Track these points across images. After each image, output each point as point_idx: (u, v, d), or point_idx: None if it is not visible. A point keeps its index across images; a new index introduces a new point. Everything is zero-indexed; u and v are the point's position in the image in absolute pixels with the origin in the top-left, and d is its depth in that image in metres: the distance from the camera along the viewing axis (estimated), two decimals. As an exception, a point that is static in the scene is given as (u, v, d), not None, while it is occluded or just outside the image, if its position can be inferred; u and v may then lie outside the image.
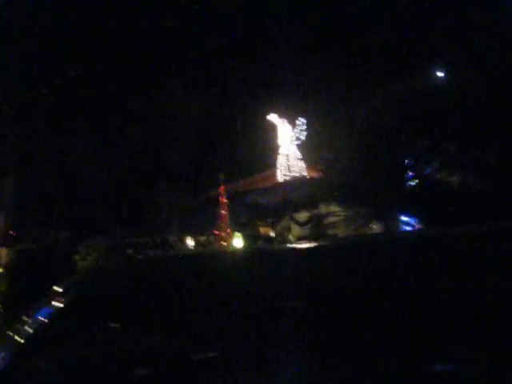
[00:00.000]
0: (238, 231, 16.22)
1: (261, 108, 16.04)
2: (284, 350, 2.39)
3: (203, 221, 16.12)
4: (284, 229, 15.16)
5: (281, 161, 15.25)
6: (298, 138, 15.26)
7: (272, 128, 15.32)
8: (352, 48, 14.94)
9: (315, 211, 14.80)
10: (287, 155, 15.06)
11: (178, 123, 16.92)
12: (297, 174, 14.90)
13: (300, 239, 13.62)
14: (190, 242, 16.07)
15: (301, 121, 15.18)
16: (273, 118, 15.11)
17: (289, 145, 15.19)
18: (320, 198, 14.23)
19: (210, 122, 17.14)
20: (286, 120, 15.12)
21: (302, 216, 16.21)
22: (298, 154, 15.18)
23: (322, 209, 15.23)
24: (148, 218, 16.47)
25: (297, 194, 15.14)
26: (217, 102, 16.92)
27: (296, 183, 14.70)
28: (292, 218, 14.47)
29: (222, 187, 16.21)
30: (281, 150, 15.14)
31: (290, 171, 15.02)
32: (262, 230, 16.01)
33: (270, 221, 16.94)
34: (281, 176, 15.31)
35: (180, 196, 16.24)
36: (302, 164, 14.94)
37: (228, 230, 15.84)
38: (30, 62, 15.24)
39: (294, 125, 15.12)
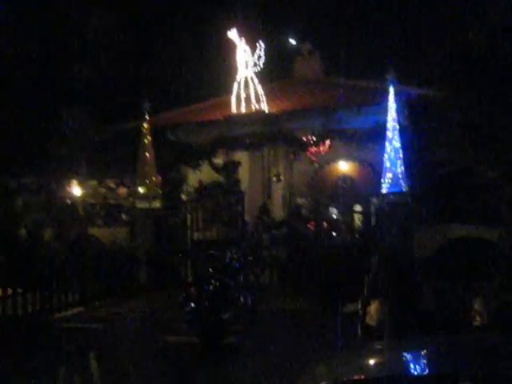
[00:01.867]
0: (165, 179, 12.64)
1: (215, 20, 12.17)
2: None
3: (120, 162, 12.33)
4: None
5: (236, 88, 11.55)
6: (255, 64, 11.55)
7: (228, 47, 11.55)
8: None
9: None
10: (244, 82, 11.39)
11: (92, 26, 12.69)
12: (255, 107, 11.33)
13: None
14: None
15: (261, 44, 11.44)
16: (232, 34, 11.30)
17: (245, 70, 11.46)
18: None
19: (142, 30, 13.02)
20: (244, 40, 11.36)
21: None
22: (257, 83, 11.51)
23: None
24: (50, 155, 12.44)
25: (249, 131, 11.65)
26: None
27: (252, 117, 11.16)
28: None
29: (147, 118, 12.36)
30: (237, 76, 11.48)
31: (245, 103, 11.44)
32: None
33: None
34: (233, 108, 11.66)
35: (92, 127, 12.30)
36: (263, 96, 11.34)
37: (154, 178, 12.21)
38: None
39: (253, 48, 11.47)
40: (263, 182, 18.62)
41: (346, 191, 19.55)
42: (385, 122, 10.99)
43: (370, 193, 18.53)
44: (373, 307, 4.37)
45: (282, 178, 19.41)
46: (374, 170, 19.02)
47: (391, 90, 10.23)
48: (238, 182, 15.61)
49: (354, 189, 19.49)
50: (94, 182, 13.33)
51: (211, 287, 7.48)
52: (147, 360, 7.01)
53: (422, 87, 11.01)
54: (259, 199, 15.69)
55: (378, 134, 11.15)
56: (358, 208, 19.58)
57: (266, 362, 6.64)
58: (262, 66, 11.57)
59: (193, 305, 7.24)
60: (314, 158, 17.14)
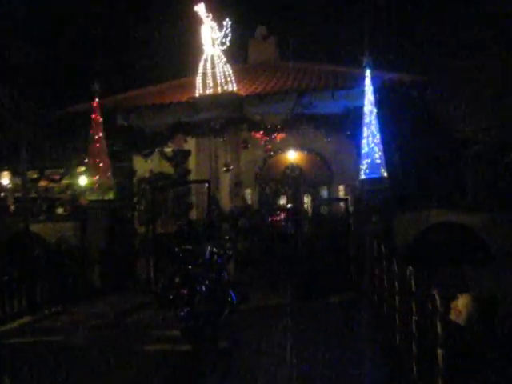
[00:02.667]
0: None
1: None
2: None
3: (67, 149, 10.91)
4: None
5: (201, 68, 10.46)
6: (222, 43, 10.59)
7: (194, 22, 10.45)
8: None
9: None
10: (211, 61, 10.34)
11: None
12: (223, 88, 10.34)
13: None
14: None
15: (228, 22, 10.48)
16: (200, 9, 10.20)
17: (212, 49, 10.41)
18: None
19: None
20: (211, 16, 10.32)
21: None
22: (225, 63, 10.53)
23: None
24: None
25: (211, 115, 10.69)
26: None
27: (220, 99, 10.17)
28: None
29: (96, 100, 11.02)
30: (203, 55, 10.42)
31: (212, 85, 10.40)
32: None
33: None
34: (198, 89, 10.57)
35: (34, 110, 10.74)
36: (231, 76, 10.37)
37: (101, 164, 10.92)
38: None
39: (220, 26, 10.48)
40: (211, 172, 17.82)
41: (294, 181, 19.36)
42: (357, 107, 10.68)
43: (320, 182, 18.67)
44: (461, 302, 3.86)
45: (231, 167, 18.81)
46: (322, 159, 19.01)
47: (368, 73, 9.87)
48: (188, 172, 14.67)
49: (302, 178, 19.38)
50: (35, 173, 11.74)
51: (204, 287, 6.64)
52: (134, 380, 6.00)
53: (394, 72, 10.77)
54: (205, 189, 14.88)
55: (349, 120, 10.81)
56: (307, 198, 19.53)
57: (266, 365, 6.01)
58: (228, 44, 10.68)
59: (186, 309, 6.34)
60: (269, 146, 16.65)
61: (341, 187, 18.29)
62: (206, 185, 11.22)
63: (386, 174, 9.64)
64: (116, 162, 11.48)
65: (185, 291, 6.42)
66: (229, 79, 10.39)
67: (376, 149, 9.71)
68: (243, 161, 19.19)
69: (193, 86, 11.33)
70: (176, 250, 8.08)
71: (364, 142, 9.84)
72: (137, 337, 7.67)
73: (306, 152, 18.90)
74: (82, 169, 12.94)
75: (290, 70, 11.91)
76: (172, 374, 6.12)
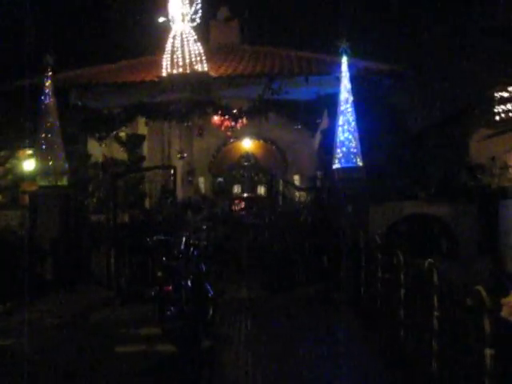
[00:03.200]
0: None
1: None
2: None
3: (15, 129, 9.77)
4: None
5: (170, 45, 9.60)
6: (193, 20, 9.81)
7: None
8: None
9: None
10: (179, 38, 9.51)
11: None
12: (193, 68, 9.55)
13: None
14: None
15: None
16: None
17: (181, 24, 9.58)
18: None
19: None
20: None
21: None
22: (194, 40, 9.76)
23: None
24: None
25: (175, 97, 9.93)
26: None
27: (185, 80, 9.36)
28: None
29: (50, 75, 9.94)
30: (172, 32, 9.56)
31: (180, 65, 9.59)
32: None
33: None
34: (166, 68, 9.72)
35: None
36: (202, 55, 9.60)
37: (60, 150, 9.89)
38: None
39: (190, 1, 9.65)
40: (163, 159, 17.01)
41: (249, 170, 18.93)
42: (329, 95, 10.42)
43: (277, 172, 18.35)
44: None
45: (185, 154, 18.05)
46: (278, 149, 18.72)
47: (344, 59, 9.61)
48: (142, 158, 13.88)
49: (258, 167, 18.98)
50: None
51: (189, 283, 6.07)
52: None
53: (370, 61, 10.59)
54: (159, 177, 14.18)
55: (320, 106, 10.53)
56: (262, 188, 19.18)
57: (253, 364, 5.62)
58: (199, 21, 9.98)
59: (174, 308, 5.72)
60: (229, 133, 16.07)
61: (296, 177, 18.12)
62: (172, 171, 10.53)
63: (361, 164, 9.45)
64: (69, 145, 10.48)
65: (169, 287, 5.80)
66: (199, 58, 9.71)
67: (351, 137, 9.49)
68: (196, 148, 18.51)
69: (156, 65, 10.57)
70: (149, 240, 7.43)
71: (340, 130, 9.58)
72: (105, 337, 6.94)
73: (261, 141, 18.58)
74: (29, 152, 11.83)
75: (258, 54, 11.44)
76: (157, 379, 5.52)
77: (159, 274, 6.02)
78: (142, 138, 13.83)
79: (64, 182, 10.18)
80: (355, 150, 9.47)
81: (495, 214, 9.54)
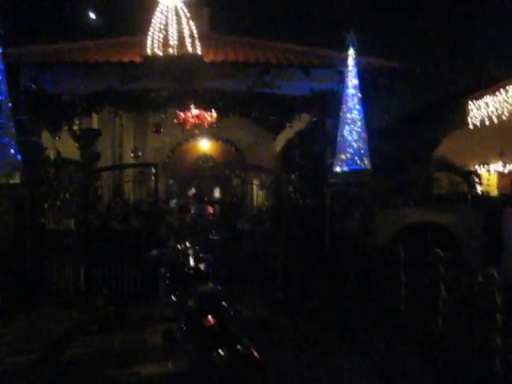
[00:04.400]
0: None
1: None
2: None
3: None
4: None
5: (157, 22, 7.98)
6: None
7: None
8: None
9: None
10: (168, 15, 7.93)
11: None
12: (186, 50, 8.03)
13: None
14: None
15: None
16: None
17: None
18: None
19: None
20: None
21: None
22: (188, 17, 8.25)
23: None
24: None
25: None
26: None
27: (176, 62, 7.78)
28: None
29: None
30: (160, 4, 7.95)
31: (170, 43, 8.02)
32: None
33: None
34: (151, 45, 8.10)
35: None
36: (195, 35, 8.07)
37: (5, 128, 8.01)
38: None
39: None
40: (113, 158, 15.27)
41: (207, 172, 17.58)
42: (325, 91, 9.54)
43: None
44: None
45: (140, 153, 16.35)
46: (237, 150, 17.57)
47: (351, 52, 8.76)
48: (97, 155, 12.18)
49: (215, 170, 17.69)
50: None
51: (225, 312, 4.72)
52: None
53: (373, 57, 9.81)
54: (109, 178, 12.58)
55: (317, 103, 9.60)
56: (217, 192, 17.89)
57: None
58: (189, -3, 8.58)
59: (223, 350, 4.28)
60: (196, 132, 14.67)
61: (255, 181, 17.19)
62: (152, 169, 9.04)
63: (369, 166, 8.64)
64: (21, 136, 8.64)
65: (211, 320, 4.36)
66: (191, 40, 8.33)
67: (358, 137, 8.65)
68: (150, 147, 16.91)
69: (133, 46, 9.04)
70: (152, 254, 6.00)
71: (346, 128, 8.70)
72: (95, 381, 5.42)
73: (219, 142, 17.37)
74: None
75: (248, 44, 10.27)
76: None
77: (190, 303, 4.62)
78: (97, 132, 12.09)
79: (16, 179, 8.34)
80: (363, 151, 8.63)
81: (499, 221, 9.21)
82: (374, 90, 9.37)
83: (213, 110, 10.31)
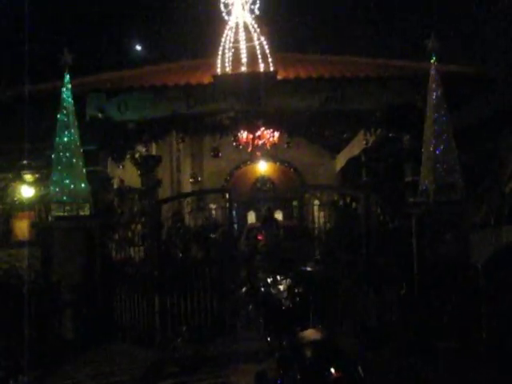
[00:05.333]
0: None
1: None
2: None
3: (21, 142, 7.64)
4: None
5: (226, 39, 7.74)
6: (251, 10, 7.99)
7: None
8: None
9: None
10: (239, 27, 7.69)
11: None
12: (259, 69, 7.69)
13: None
14: None
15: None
16: None
17: (242, 12, 7.76)
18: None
19: None
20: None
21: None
22: (259, 33, 7.95)
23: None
24: None
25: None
26: None
27: (255, 82, 7.44)
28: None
29: (67, 76, 7.91)
30: (230, 21, 7.70)
31: (242, 61, 7.73)
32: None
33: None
34: (225, 67, 7.80)
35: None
36: (266, 50, 7.75)
37: (81, 171, 7.80)
38: None
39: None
40: (172, 184, 15.04)
41: (265, 195, 17.11)
42: (406, 103, 8.88)
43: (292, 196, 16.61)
44: None
45: (199, 178, 16.13)
46: (296, 171, 17.03)
47: (432, 61, 8.09)
48: (159, 182, 11.90)
49: (274, 192, 17.19)
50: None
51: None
52: None
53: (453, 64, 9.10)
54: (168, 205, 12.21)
55: (392, 117, 8.93)
56: (279, 214, 17.30)
57: None
58: (258, 13, 8.20)
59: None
60: (258, 154, 14.30)
61: (316, 201, 16.43)
62: (226, 195, 8.59)
63: (460, 182, 7.84)
64: (89, 166, 8.42)
65: (337, 373, 3.67)
66: (262, 57, 7.90)
67: (445, 151, 7.89)
68: (207, 171, 16.63)
69: (199, 68, 8.74)
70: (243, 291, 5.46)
71: (430, 143, 7.97)
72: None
73: (277, 163, 16.89)
74: (29, 175, 9.70)
75: (317, 60, 9.78)
76: None
77: (308, 352, 3.97)
78: (158, 159, 11.87)
79: (86, 211, 8.07)
80: (453, 166, 7.86)
81: None
82: (458, 100, 8.60)
83: (274, 129, 9.77)
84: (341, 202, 9.48)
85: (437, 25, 10.14)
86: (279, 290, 5.24)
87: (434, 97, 8.05)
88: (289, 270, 5.93)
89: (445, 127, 7.98)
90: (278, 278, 5.44)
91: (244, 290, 5.36)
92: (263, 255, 8.83)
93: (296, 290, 5.21)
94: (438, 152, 7.94)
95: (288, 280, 5.37)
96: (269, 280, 5.42)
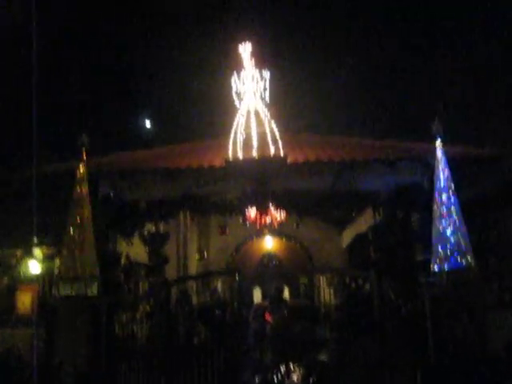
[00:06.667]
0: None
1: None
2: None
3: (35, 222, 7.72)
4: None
5: (237, 124, 8.09)
6: (262, 97, 8.44)
7: (230, 65, 8.23)
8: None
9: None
10: (250, 114, 8.05)
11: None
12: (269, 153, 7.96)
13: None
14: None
15: (266, 74, 8.49)
16: (244, 48, 8.05)
17: (253, 99, 8.19)
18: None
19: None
20: (254, 60, 8.23)
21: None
22: (270, 118, 8.30)
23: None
24: None
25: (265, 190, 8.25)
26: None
27: (266, 166, 7.66)
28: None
29: (84, 159, 8.16)
30: (241, 108, 8.12)
31: (253, 146, 8.03)
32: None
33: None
34: (236, 151, 8.09)
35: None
36: (276, 135, 8.07)
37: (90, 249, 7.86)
38: None
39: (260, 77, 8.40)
40: (178, 260, 14.92)
41: (271, 271, 16.91)
42: (411, 184, 9.06)
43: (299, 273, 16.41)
44: None
45: (205, 255, 16.04)
46: (302, 246, 16.95)
47: (438, 143, 8.34)
48: (166, 260, 11.84)
49: (281, 268, 17.01)
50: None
51: None
52: None
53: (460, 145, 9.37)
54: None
55: (402, 198, 9.06)
56: (285, 292, 16.99)
57: None
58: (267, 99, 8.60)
59: None
60: (265, 231, 14.32)
61: (322, 279, 16.24)
62: (236, 276, 8.51)
63: (473, 263, 7.79)
64: (98, 244, 8.44)
65: None
66: (272, 141, 8.18)
67: (455, 232, 7.92)
68: (213, 247, 16.57)
69: (210, 150, 9.01)
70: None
71: (440, 223, 8.02)
72: None
73: (284, 239, 16.86)
74: (37, 250, 9.66)
75: (323, 142, 10.09)
76: None
77: None
78: (165, 236, 11.89)
79: (94, 289, 7.98)
80: (464, 247, 7.84)
81: None
82: (466, 180, 8.76)
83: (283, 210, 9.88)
84: (351, 283, 9.37)
85: (441, 106, 10.57)
86: (293, 381, 5.09)
87: (441, 178, 8.22)
88: (301, 357, 5.75)
89: (453, 208, 8.06)
90: (291, 366, 5.29)
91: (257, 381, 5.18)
92: (272, 338, 8.61)
93: (311, 381, 5.05)
94: (448, 233, 7.97)
95: (301, 369, 5.21)
96: (282, 368, 5.27)
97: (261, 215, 11.56)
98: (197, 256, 15.32)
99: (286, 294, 16.55)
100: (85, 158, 8.25)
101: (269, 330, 8.84)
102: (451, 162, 8.51)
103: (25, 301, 10.12)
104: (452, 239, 7.95)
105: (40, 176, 8.09)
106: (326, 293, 9.71)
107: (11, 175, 8.35)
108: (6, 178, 8.24)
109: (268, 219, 11.99)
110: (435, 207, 8.21)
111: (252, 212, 11.37)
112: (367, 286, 8.69)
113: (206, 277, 10.71)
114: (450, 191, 8.15)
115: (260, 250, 16.82)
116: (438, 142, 8.38)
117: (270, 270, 16.56)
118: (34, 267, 9.97)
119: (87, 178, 8.27)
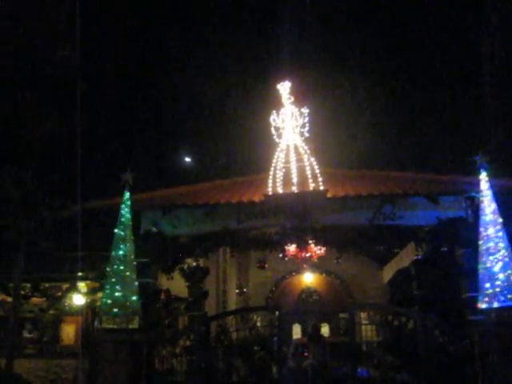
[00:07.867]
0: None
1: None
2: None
3: (79, 255, 7.97)
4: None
5: (279, 160, 8.23)
6: (301, 133, 8.59)
7: (270, 103, 8.51)
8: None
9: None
10: (290, 149, 8.18)
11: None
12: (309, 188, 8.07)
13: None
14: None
15: (305, 110, 8.67)
16: (283, 87, 8.31)
17: (292, 135, 8.35)
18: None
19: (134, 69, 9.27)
20: (292, 98, 8.46)
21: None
22: (310, 154, 8.40)
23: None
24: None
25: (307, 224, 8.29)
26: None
27: (306, 201, 7.74)
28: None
29: (127, 194, 8.43)
30: (281, 143, 8.29)
31: (293, 181, 8.15)
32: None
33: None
34: (276, 186, 8.21)
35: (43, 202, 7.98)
36: (315, 169, 8.17)
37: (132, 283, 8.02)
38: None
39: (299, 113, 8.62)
40: (217, 295, 14.91)
41: (311, 306, 16.64)
42: (453, 219, 8.83)
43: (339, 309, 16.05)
44: None
45: (245, 289, 16.00)
46: (341, 282, 16.65)
47: (483, 175, 8.14)
48: (206, 294, 11.83)
49: (320, 304, 16.71)
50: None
51: None
52: None
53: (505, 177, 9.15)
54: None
55: (445, 232, 8.83)
56: (325, 327, 16.64)
57: None
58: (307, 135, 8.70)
59: None
60: (305, 266, 14.20)
61: (362, 315, 15.80)
62: (276, 313, 8.43)
63: (521, 301, 7.42)
64: (140, 279, 8.58)
65: None
66: (317, 176, 8.20)
67: (504, 268, 7.60)
68: (253, 282, 16.52)
69: (249, 186, 9.14)
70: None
71: (489, 259, 7.73)
72: None
73: (323, 274, 16.63)
74: (81, 284, 9.93)
75: (363, 176, 10.05)
76: None
77: None
78: (205, 271, 11.96)
79: (135, 323, 8.07)
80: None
81: None
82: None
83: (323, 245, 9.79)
84: (394, 321, 9.09)
85: (485, 139, 10.36)
86: None
87: (486, 212, 7.98)
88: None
89: (501, 243, 7.78)
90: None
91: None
92: (312, 375, 8.41)
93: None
94: (496, 269, 7.67)
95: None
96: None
97: (300, 250, 11.53)
98: (236, 290, 15.25)
99: (326, 330, 16.23)
100: (128, 194, 8.50)
101: (308, 368, 8.65)
102: (497, 195, 8.28)
103: (69, 332, 10.36)
104: (501, 276, 7.64)
105: (85, 212, 8.37)
106: (368, 329, 9.45)
107: (59, 212, 8.69)
108: (53, 214, 8.58)
109: (307, 254, 11.95)
110: (481, 242, 7.95)
111: (291, 247, 11.38)
112: (411, 323, 8.40)
113: (245, 312, 10.63)
114: (498, 225, 7.89)
115: (299, 285, 16.63)
116: (483, 175, 8.18)
117: (309, 306, 16.29)
118: (78, 300, 10.24)
119: (130, 214, 8.50)
